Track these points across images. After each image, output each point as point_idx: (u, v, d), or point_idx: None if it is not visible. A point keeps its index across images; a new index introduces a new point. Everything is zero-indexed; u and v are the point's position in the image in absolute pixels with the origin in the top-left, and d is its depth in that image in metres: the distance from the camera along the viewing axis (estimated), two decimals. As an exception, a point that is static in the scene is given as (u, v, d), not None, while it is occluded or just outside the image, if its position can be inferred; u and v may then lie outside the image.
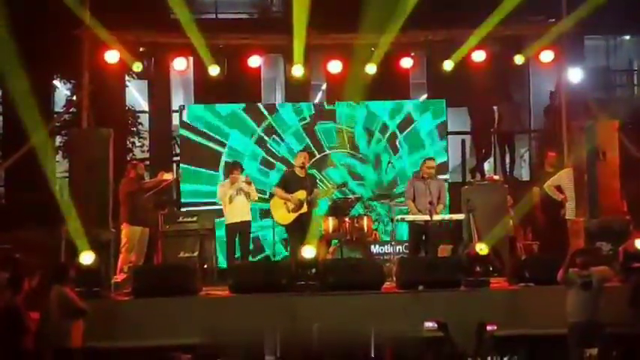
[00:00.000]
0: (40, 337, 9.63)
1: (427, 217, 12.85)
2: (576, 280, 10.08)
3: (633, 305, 10.54)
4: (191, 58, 15.76)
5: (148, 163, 18.58)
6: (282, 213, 13.38)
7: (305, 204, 13.22)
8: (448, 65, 15.14)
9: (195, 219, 13.78)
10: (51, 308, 9.73)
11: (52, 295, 9.79)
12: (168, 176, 13.98)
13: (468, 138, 18.86)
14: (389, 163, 16.25)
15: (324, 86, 18.91)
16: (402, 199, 14.50)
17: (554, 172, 14.13)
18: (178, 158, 17.30)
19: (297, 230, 13.21)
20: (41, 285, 10.18)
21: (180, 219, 13.82)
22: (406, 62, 15.59)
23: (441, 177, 14.56)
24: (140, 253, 13.43)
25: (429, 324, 10.67)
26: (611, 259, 11.89)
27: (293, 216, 13.27)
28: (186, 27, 14.07)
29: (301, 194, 13.22)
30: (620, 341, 10.13)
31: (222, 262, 14.37)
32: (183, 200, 15.95)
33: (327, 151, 16.45)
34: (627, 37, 21.96)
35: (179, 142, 17.40)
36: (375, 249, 14.67)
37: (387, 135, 16.69)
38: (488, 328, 10.49)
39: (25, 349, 9.47)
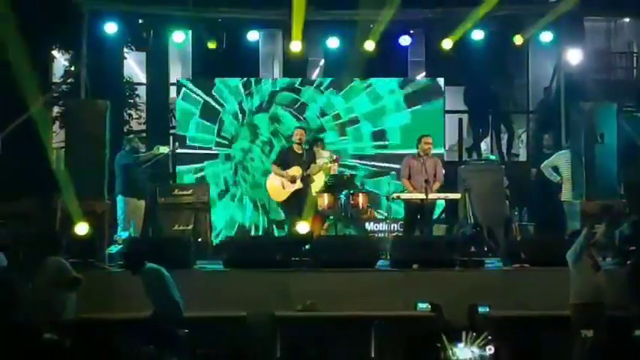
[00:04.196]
0: (33, 309, 9.60)
1: (423, 196, 12.82)
2: (588, 260, 10.00)
3: (629, 288, 10.55)
4: (190, 32, 15.73)
5: (144, 135, 18.53)
6: (277, 189, 13.35)
7: (299, 180, 13.16)
8: (447, 44, 15.14)
9: (190, 192, 13.74)
10: (45, 279, 9.70)
11: (47, 265, 9.76)
12: (163, 149, 13.92)
13: (465, 117, 18.84)
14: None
15: (322, 62, 18.83)
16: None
17: (551, 153, 14.12)
18: (175, 131, 17.25)
19: (294, 207, 13.19)
20: (34, 255, 10.15)
21: (176, 192, 13.79)
22: (405, 40, 15.58)
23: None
24: (136, 225, 13.40)
25: (422, 305, 10.71)
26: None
27: (287, 193, 13.21)
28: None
29: (296, 170, 13.17)
30: (615, 324, 10.12)
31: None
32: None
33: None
34: (627, 20, 21.87)
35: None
36: (369, 226, 14.66)
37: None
38: (480, 309, 10.52)
39: (18, 321, 9.46)
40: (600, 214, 11.12)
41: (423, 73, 18.60)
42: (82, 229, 11.28)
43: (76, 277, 9.83)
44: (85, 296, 10.08)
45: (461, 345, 8.76)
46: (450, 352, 8.76)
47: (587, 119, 12.82)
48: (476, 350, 8.76)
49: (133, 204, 13.31)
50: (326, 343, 10.79)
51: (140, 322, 10.03)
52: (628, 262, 11.18)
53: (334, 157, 13.93)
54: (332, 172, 13.73)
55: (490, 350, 8.80)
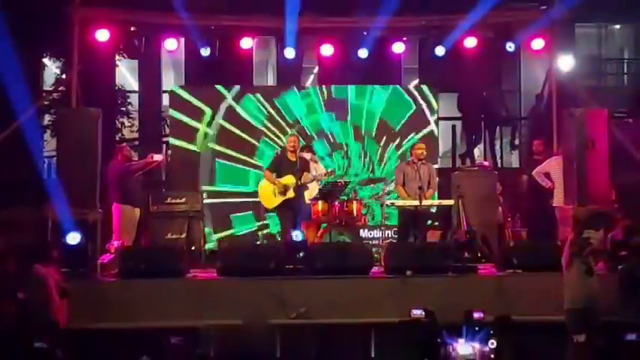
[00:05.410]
0: (25, 318, 9.57)
1: (417, 202, 12.82)
2: (581, 266, 9.97)
3: (621, 293, 10.55)
4: (182, 39, 15.71)
5: (137, 143, 18.50)
6: (269, 196, 13.28)
7: (291, 189, 13.10)
8: (440, 51, 15.13)
9: (183, 200, 13.71)
10: (35, 288, 9.67)
11: (35, 274, 9.73)
12: (157, 157, 13.89)
13: (458, 124, 18.87)
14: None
15: (315, 69, 18.84)
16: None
17: (543, 159, 14.14)
18: (167, 139, 17.21)
19: (286, 215, 13.12)
20: (25, 265, 10.11)
21: (169, 200, 13.76)
22: (398, 47, 15.57)
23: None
24: (130, 234, 13.36)
25: (416, 311, 10.68)
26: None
27: (278, 200, 13.15)
28: (178, 7, 14.00)
29: (288, 179, 13.09)
30: (608, 329, 10.11)
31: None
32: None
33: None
34: (618, 26, 21.95)
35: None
36: (363, 233, 14.65)
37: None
38: (475, 315, 10.49)
39: (6, 331, 9.43)
40: (592, 219, 11.12)
41: (417, 80, 18.62)
42: (73, 238, 11.22)
43: (64, 287, 9.82)
44: (76, 306, 10.05)
45: (461, 340, 8.74)
46: (450, 347, 8.74)
47: (579, 125, 12.82)
48: (477, 345, 8.73)
49: (128, 212, 13.28)
50: (321, 349, 10.77)
51: (134, 332, 10.01)
52: (619, 266, 11.19)
53: (328, 170, 13.91)
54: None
55: (492, 344, 8.78)
